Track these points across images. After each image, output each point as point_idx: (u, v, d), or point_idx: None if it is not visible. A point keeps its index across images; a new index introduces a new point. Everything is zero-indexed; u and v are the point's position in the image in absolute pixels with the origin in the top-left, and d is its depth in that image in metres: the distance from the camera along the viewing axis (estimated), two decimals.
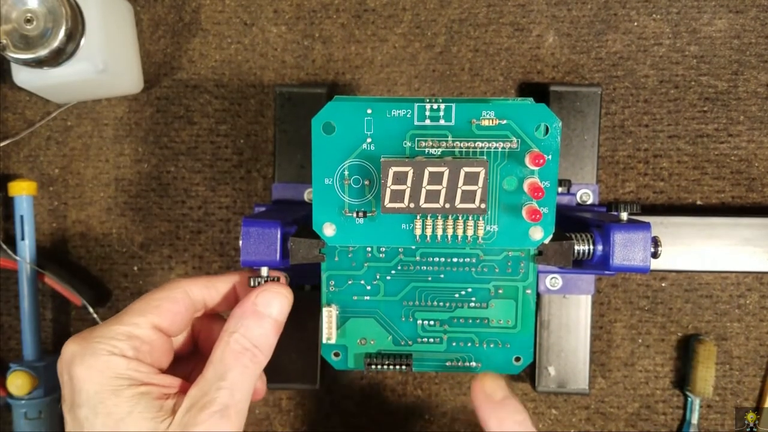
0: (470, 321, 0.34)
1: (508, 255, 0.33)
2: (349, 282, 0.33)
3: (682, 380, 0.45)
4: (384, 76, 0.46)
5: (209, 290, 0.33)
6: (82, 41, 0.40)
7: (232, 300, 0.34)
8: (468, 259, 0.33)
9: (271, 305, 0.31)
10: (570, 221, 0.36)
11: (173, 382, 0.30)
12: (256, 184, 0.46)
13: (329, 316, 0.33)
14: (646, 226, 0.31)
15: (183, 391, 0.30)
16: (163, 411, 0.29)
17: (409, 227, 0.31)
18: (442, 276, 0.33)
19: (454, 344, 0.34)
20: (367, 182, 0.31)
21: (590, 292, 0.42)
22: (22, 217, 0.45)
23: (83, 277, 0.47)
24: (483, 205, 0.29)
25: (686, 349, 0.45)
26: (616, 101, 0.45)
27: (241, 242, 0.31)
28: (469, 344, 0.34)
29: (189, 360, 0.35)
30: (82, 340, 0.30)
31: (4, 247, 0.45)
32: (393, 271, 0.33)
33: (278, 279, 0.32)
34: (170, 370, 0.32)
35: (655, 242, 0.31)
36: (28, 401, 0.44)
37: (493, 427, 0.31)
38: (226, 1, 0.46)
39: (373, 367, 0.33)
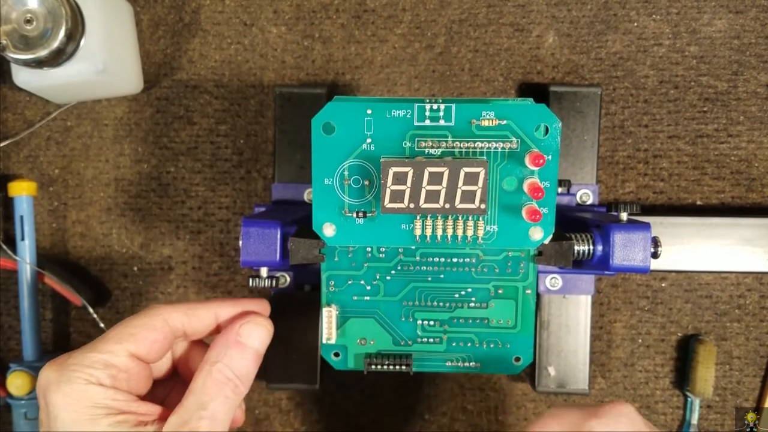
0: (470, 321, 0.34)
1: (508, 255, 0.33)
2: (349, 282, 0.33)
3: (682, 380, 0.45)
4: (384, 76, 0.46)
5: (189, 318, 0.32)
6: (82, 41, 0.40)
7: (213, 329, 0.33)
8: (468, 260, 0.33)
9: (253, 336, 0.31)
10: (570, 221, 0.36)
11: (151, 409, 0.30)
12: (256, 185, 0.46)
13: (329, 316, 0.33)
14: (646, 226, 0.31)
15: (162, 418, 0.30)
16: None
17: (408, 227, 0.31)
18: (442, 276, 0.33)
19: (453, 344, 0.34)
20: (367, 182, 0.31)
21: (590, 292, 0.42)
22: (22, 217, 0.45)
23: (83, 277, 0.47)
24: (483, 206, 0.30)
25: (686, 350, 0.45)
26: (616, 101, 0.45)
27: (240, 242, 0.31)
28: (469, 344, 0.34)
29: (167, 383, 0.34)
30: (58, 367, 0.29)
31: (4, 247, 0.45)
32: (393, 272, 0.33)
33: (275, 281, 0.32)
34: (148, 393, 0.32)
35: (655, 242, 0.31)
36: (27, 401, 0.44)
37: None
38: (226, 2, 0.46)
39: (373, 367, 0.33)
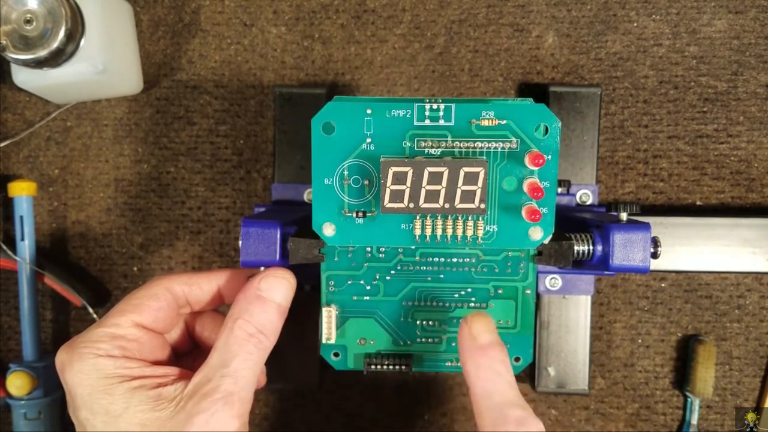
0: None
1: (508, 255, 0.33)
2: (349, 282, 0.33)
3: (682, 380, 0.45)
4: (384, 76, 0.46)
5: (191, 287, 0.33)
6: (82, 42, 0.40)
7: (217, 298, 0.34)
8: (468, 260, 0.33)
9: (274, 290, 0.31)
10: (569, 222, 0.36)
11: (169, 371, 0.30)
12: (256, 185, 0.46)
13: (329, 316, 0.33)
14: (646, 226, 0.31)
15: (182, 377, 0.30)
16: (161, 399, 0.29)
17: (408, 227, 0.31)
18: (441, 276, 0.33)
19: (453, 344, 0.34)
20: (366, 182, 0.31)
21: (590, 292, 0.42)
22: (21, 217, 0.45)
23: (83, 278, 0.47)
24: (482, 205, 0.30)
25: (686, 350, 0.45)
26: (616, 102, 0.45)
27: (240, 243, 0.31)
28: None
29: (189, 356, 0.35)
30: (69, 348, 0.30)
31: (4, 247, 0.45)
32: (392, 272, 0.33)
33: None
34: (172, 364, 0.32)
35: (655, 242, 0.31)
36: (27, 402, 0.44)
37: (469, 373, 0.29)
38: (225, 2, 0.46)
39: (373, 367, 0.33)
